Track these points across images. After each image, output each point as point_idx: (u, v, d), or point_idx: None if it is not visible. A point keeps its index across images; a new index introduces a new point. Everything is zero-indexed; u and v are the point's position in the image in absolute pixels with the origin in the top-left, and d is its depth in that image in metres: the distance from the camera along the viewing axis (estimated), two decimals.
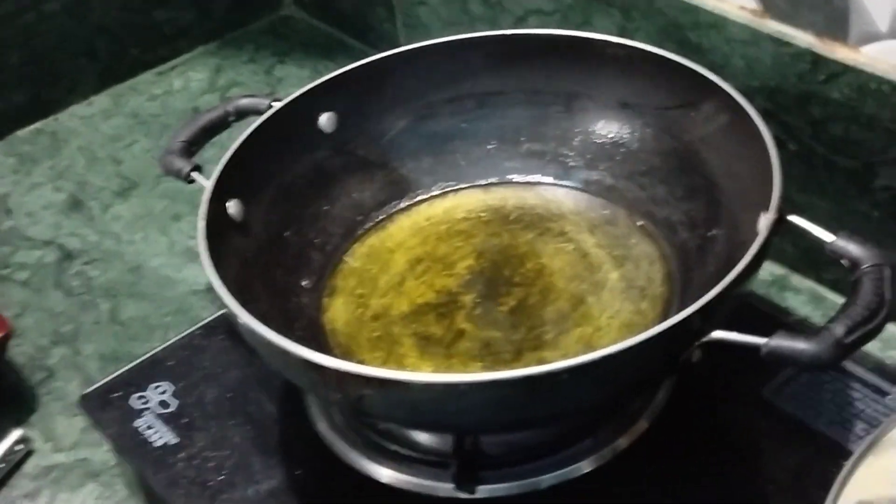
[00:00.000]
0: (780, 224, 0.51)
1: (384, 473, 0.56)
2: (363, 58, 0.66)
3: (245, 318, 0.49)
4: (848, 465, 0.48)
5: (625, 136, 0.65)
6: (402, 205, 0.67)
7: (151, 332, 0.73)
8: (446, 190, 0.67)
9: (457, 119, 0.67)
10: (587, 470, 0.55)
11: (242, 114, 0.65)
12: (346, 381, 0.47)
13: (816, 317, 0.68)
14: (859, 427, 0.56)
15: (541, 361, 0.55)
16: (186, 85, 0.98)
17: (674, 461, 0.55)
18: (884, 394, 0.58)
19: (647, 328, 0.56)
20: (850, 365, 0.59)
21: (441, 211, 0.66)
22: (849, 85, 0.62)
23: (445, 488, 0.54)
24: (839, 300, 0.69)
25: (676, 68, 0.61)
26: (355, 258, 0.64)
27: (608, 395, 0.51)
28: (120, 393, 0.63)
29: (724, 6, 0.67)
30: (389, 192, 0.66)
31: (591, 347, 0.56)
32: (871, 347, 0.66)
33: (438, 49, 0.65)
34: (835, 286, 0.70)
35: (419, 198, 0.67)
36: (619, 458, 0.55)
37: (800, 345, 0.46)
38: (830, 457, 0.54)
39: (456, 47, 0.65)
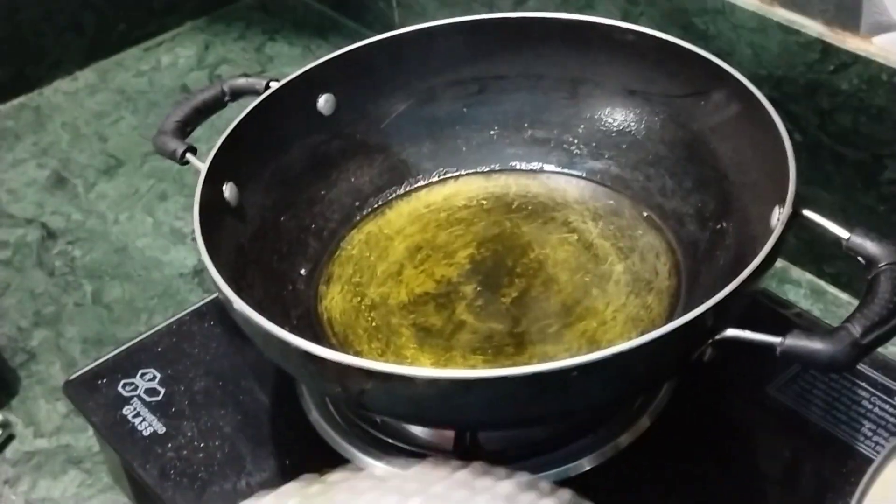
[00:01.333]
0: (794, 219, 0.50)
1: (379, 467, 0.54)
2: (356, 37, 0.64)
3: (240, 306, 0.48)
4: (871, 470, 0.47)
5: (631, 124, 0.63)
6: (402, 191, 0.65)
7: (136, 316, 0.72)
8: (447, 176, 0.65)
9: (458, 104, 0.65)
10: (588, 467, 0.54)
11: (238, 94, 0.63)
12: (347, 375, 0.45)
13: (816, 311, 0.67)
14: (867, 426, 0.55)
15: (544, 356, 0.54)
16: (175, 61, 0.96)
17: (676, 459, 0.54)
18: (891, 393, 0.57)
19: (653, 323, 0.55)
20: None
21: (441, 198, 0.64)
22: (859, 76, 0.60)
23: None
24: (840, 295, 0.69)
25: (685, 55, 0.59)
26: (353, 245, 0.62)
27: (616, 394, 0.49)
28: (106, 379, 0.61)
29: None
30: (388, 177, 0.65)
31: (595, 342, 0.55)
32: None
33: (440, 31, 0.63)
34: (836, 281, 0.69)
35: (419, 184, 0.65)
36: (620, 456, 0.54)
37: (816, 345, 0.44)
38: (836, 456, 0.54)
39: (458, 30, 0.63)
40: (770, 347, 0.45)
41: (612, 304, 0.57)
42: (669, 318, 0.55)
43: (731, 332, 0.46)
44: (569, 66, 0.63)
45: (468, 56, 0.64)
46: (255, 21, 1.00)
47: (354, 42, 0.63)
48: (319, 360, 0.45)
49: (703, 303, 0.45)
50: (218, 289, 0.49)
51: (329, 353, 0.45)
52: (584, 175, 0.64)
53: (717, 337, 0.46)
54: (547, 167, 0.65)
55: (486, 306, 0.57)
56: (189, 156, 0.59)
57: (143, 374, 0.61)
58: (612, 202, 0.62)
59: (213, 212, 0.54)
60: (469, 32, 0.64)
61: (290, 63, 0.94)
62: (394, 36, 0.64)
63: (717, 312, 0.45)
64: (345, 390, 0.47)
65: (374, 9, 0.95)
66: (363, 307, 0.58)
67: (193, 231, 0.52)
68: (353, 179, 0.64)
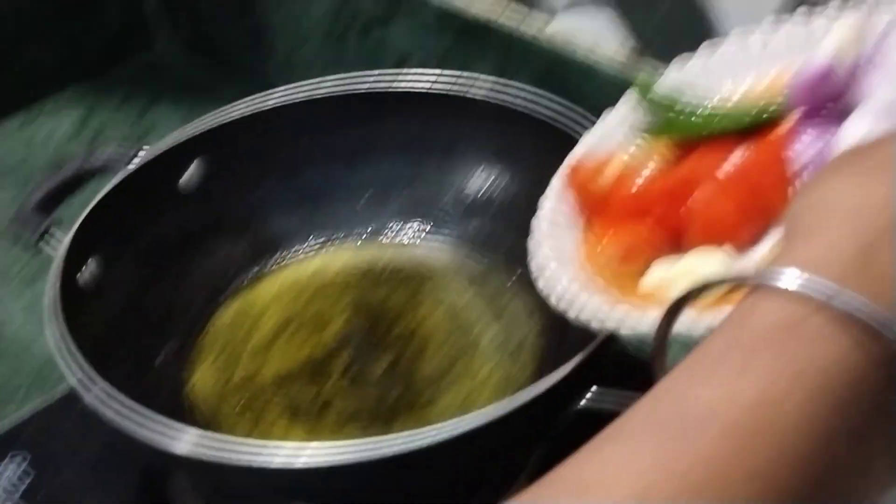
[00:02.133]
0: None
1: None
2: (240, 100, 0.63)
3: (93, 395, 0.47)
4: None
5: (501, 187, 0.64)
6: (272, 263, 0.64)
7: (9, 398, 0.69)
8: (318, 246, 0.65)
9: (329, 172, 0.65)
10: None
11: (103, 168, 0.62)
12: (198, 461, 0.44)
13: None
14: None
15: (417, 423, 0.54)
16: (53, 131, 0.94)
17: None
18: None
19: (523, 386, 0.55)
20: None
21: (313, 269, 0.64)
22: None
23: None
24: None
25: (548, 123, 0.60)
26: (222, 321, 0.61)
27: (475, 465, 0.49)
28: None
29: (597, 52, 0.67)
30: (258, 249, 0.64)
31: (467, 408, 0.54)
32: None
33: (310, 101, 0.63)
34: None
35: (290, 256, 0.65)
36: None
37: None
38: None
39: (326, 99, 0.63)
40: None
41: (483, 369, 0.57)
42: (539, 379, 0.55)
43: (596, 391, 0.46)
44: (439, 133, 0.64)
45: (338, 124, 0.64)
46: (137, 87, 0.99)
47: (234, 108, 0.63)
48: (168, 448, 0.44)
49: (570, 360, 0.45)
50: (67, 375, 0.48)
51: (178, 441, 0.44)
52: (456, 239, 0.64)
53: (583, 397, 0.46)
54: (419, 233, 0.65)
55: (358, 377, 0.57)
56: (49, 236, 0.58)
57: (11, 458, 0.59)
58: (483, 265, 0.63)
59: (74, 291, 0.53)
60: (339, 101, 0.64)
61: (171, 130, 0.91)
62: (263, 105, 0.64)
63: (579, 373, 0.45)
64: (200, 475, 0.46)
65: (258, 70, 0.95)
66: (232, 385, 0.57)
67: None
68: (222, 253, 0.63)
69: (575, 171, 0.49)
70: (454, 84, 0.63)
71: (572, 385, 0.46)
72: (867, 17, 0.44)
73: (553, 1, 0.68)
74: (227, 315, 0.61)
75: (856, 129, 0.41)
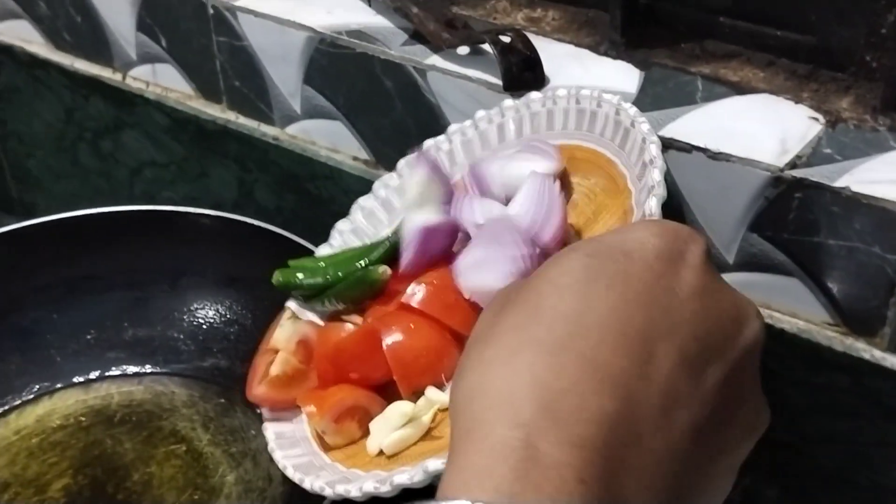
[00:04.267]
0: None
1: None
2: None
3: None
4: None
5: (237, 312, 0.60)
6: None
7: None
8: (40, 393, 0.59)
9: (46, 309, 0.59)
10: None
11: None
12: None
13: None
14: None
15: None
16: None
17: None
18: None
19: None
20: None
21: (33, 420, 0.58)
22: None
23: None
24: None
25: (279, 238, 0.57)
26: None
27: None
28: None
29: (337, 157, 0.65)
30: None
31: None
32: None
33: (12, 235, 0.57)
34: None
35: (6, 406, 0.58)
36: None
37: None
38: None
39: (33, 232, 0.58)
40: None
41: None
42: None
43: None
44: (165, 258, 0.60)
45: (53, 256, 0.59)
46: None
47: None
48: None
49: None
50: None
51: None
52: (193, 373, 0.60)
53: None
54: (152, 369, 0.60)
55: None
56: None
57: None
58: (223, 400, 0.58)
59: None
60: (46, 233, 0.58)
61: None
62: None
63: None
64: None
65: None
66: None
67: None
68: None
69: (250, 384, 0.52)
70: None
71: None
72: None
73: (284, 112, 0.66)
74: None
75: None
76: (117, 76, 0.74)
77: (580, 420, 0.28)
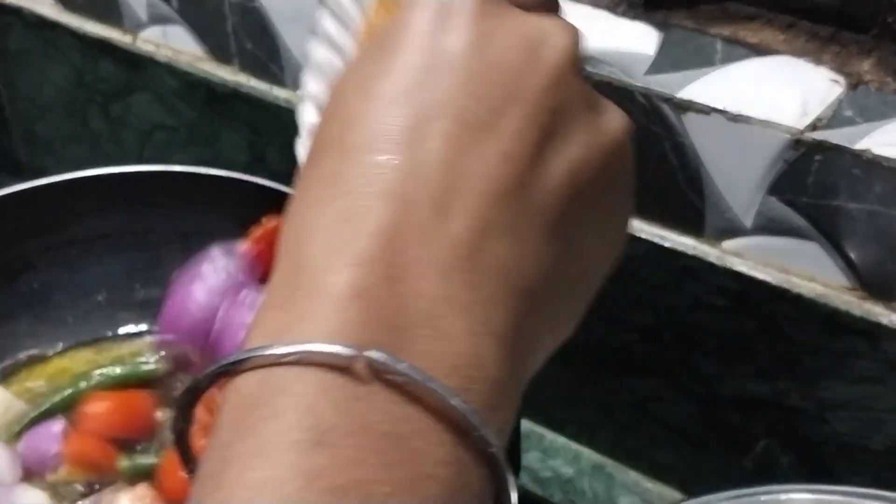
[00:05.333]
0: None
1: None
2: None
3: None
4: None
5: None
6: None
7: None
8: (51, 353, 0.59)
9: (57, 270, 0.59)
10: None
11: None
12: None
13: None
14: None
15: None
16: None
17: None
18: None
19: None
20: None
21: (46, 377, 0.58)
22: None
23: None
24: None
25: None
26: None
27: None
28: None
29: None
30: None
31: None
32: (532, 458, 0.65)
33: (22, 196, 0.57)
34: None
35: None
36: None
37: None
38: None
39: (44, 192, 0.57)
40: None
41: None
42: None
43: None
44: (177, 219, 0.59)
45: (64, 217, 0.58)
46: None
47: None
48: None
49: None
50: None
51: None
52: None
53: None
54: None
55: None
56: None
57: None
58: None
59: None
60: (63, 191, 0.58)
61: None
62: None
63: None
64: None
65: (3, 150, 0.87)
66: None
67: None
68: None
69: None
70: None
71: None
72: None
73: (296, 74, 0.65)
74: None
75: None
76: (127, 38, 0.73)
77: (353, 239, 0.25)
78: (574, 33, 0.31)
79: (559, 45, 0.30)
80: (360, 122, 0.28)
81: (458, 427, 0.24)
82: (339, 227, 0.26)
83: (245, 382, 0.25)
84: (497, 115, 0.28)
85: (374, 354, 0.24)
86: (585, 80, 0.31)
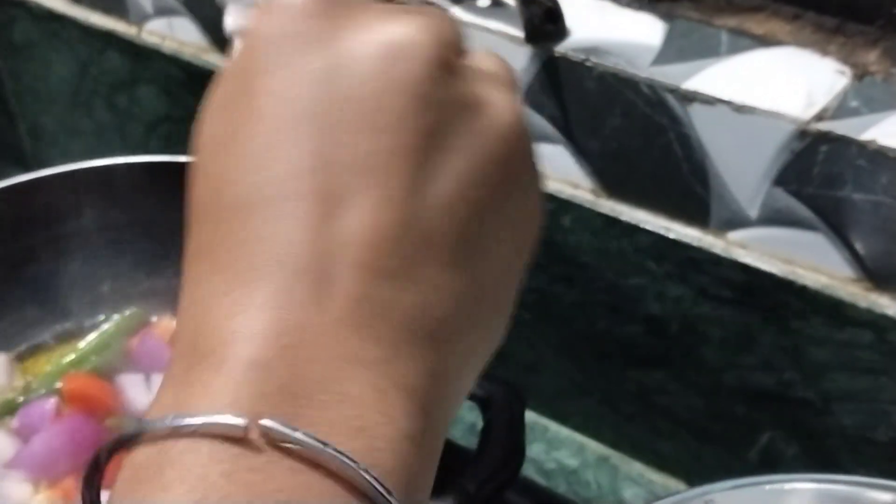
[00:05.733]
0: None
1: None
2: None
3: None
4: None
5: None
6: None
7: None
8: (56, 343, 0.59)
9: (63, 260, 0.59)
10: None
11: None
12: None
13: None
14: None
15: None
16: None
17: None
18: None
19: None
20: None
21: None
22: None
23: None
24: None
25: None
26: None
27: None
28: None
29: None
30: None
31: None
32: (537, 451, 0.65)
33: (28, 186, 0.57)
34: None
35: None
36: None
37: None
38: None
39: (50, 182, 0.57)
40: None
41: None
42: None
43: None
44: (183, 210, 0.59)
45: (70, 207, 0.59)
46: None
47: None
48: None
49: None
50: None
51: None
52: None
53: None
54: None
55: None
56: None
57: None
58: None
59: None
60: (69, 181, 0.58)
61: None
62: None
63: None
64: None
65: (3, 141, 0.88)
66: None
67: None
68: None
69: None
70: None
71: None
72: None
73: None
74: None
75: None
76: (132, 30, 0.73)
77: (242, 310, 0.25)
78: (436, 27, 0.27)
79: (418, 54, 0.26)
80: (228, 187, 0.26)
81: (360, 491, 0.23)
82: (227, 298, 0.25)
83: (140, 454, 0.24)
84: (364, 157, 0.26)
85: (268, 423, 0.23)
86: (465, 56, 0.28)
